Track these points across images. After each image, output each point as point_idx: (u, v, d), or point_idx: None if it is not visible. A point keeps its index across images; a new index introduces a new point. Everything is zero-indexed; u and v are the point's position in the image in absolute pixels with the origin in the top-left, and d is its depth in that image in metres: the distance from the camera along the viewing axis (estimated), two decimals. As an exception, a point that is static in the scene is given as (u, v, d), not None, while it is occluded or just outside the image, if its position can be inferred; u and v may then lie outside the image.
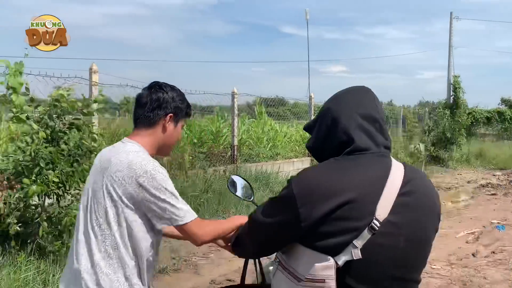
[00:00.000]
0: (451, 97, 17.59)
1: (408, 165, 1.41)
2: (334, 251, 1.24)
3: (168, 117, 1.79)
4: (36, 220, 4.04)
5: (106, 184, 1.67)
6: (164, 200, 1.64)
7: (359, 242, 1.23)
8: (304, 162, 10.98)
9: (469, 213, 8.29)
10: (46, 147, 4.24)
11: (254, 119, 12.36)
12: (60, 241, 4.24)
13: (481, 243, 6.22)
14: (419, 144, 14.70)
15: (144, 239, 1.69)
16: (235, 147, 8.81)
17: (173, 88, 1.85)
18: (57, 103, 4.30)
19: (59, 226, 4.10)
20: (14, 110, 4.45)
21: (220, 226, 1.77)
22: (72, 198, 4.47)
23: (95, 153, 4.61)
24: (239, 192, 2.04)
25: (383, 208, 1.26)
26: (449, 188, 11.25)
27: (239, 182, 2.05)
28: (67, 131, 4.53)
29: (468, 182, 12.34)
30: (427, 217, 1.36)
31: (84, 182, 4.37)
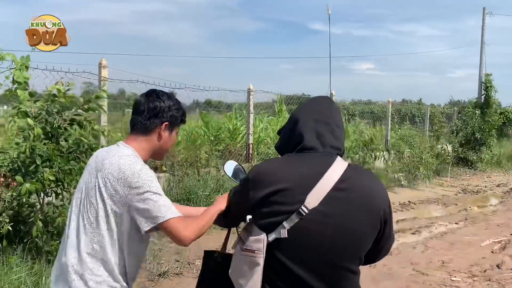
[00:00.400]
0: (482, 96, 16.85)
1: (354, 166, 1.62)
2: (269, 229, 1.50)
3: (163, 126, 1.87)
4: (30, 220, 3.90)
5: (99, 184, 1.76)
6: (147, 199, 1.69)
7: (287, 224, 1.47)
8: (324, 162, 10.64)
9: (497, 219, 7.80)
10: (45, 144, 4.12)
11: (273, 117, 12.08)
12: (57, 241, 4.10)
13: (507, 253, 5.77)
14: (446, 145, 14.11)
15: (131, 240, 1.76)
16: (250, 145, 8.57)
17: (170, 97, 1.93)
18: (55, 98, 4.17)
19: (53, 226, 3.96)
20: (15, 104, 4.35)
21: (201, 221, 1.77)
22: (71, 197, 4.33)
23: (97, 150, 4.46)
24: (233, 175, 2.22)
25: (313, 198, 1.48)
26: (477, 191, 10.71)
27: (234, 166, 2.25)
28: (68, 128, 4.40)
29: (498, 185, 11.74)
30: (359, 213, 1.52)
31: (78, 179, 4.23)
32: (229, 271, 1.62)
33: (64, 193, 4.32)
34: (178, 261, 4.90)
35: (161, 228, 1.70)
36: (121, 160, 1.76)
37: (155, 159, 1.98)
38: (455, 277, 4.84)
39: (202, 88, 7.79)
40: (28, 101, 4.22)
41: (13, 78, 4.40)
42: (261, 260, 1.50)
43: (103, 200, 1.73)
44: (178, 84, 7.27)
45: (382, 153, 10.13)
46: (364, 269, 5.00)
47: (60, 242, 4.09)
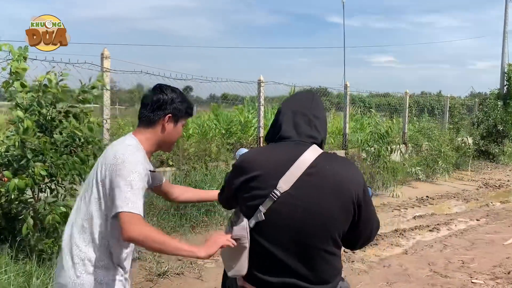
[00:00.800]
0: (505, 87, 16.23)
1: (328, 153, 1.73)
2: (249, 213, 1.65)
3: (167, 118, 1.94)
4: (21, 217, 3.70)
5: (97, 169, 1.85)
6: (119, 187, 1.72)
7: (263, 207, 1.62)
8: (338, 155, 10.27)
9: (521, 216, 7.37)
10: (39, 137, 3.92)
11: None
12: (52, 239, 3.89)
13: (533, 253, 5.39)
14: (466, 137, 13.59)
15: (113, 223, 1.78)
16: (261, 138, 8.28)
17: (173, 90, 1.99)
18: (47, 89, 3.95)
19: (49, 224, 3.74)
20: (7, 96, 4.16)
21: (159, 236, 1.69)
22: (65, 193, 4.12)
23: (94, 144, 4.24)
24: None
25: (285, 183, 1.61)
26: (499, 186, 10.24)
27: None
28: (63, 120, 4.19)
29: (521, 179, 11.22)
30: (328, 196, 1.62)
31: (78, 175, 4.03)
32: (221, 251, 1.75)
33: (60, 189, 4.13)
34: (180, 260, 4.67)
35: (117, 218, 1.71)
36: (121, 148, 1.83)
37: (163, 151, 2.09)
38: (476, 279, 4.50)
39: (210, 79, 7.50)
40: (20, 92, 4.02)
41: (10, 70, 4.20)
42: (247, 244, 1.66)
43: (97, 183, 1.82)
44: (184, 75, 6.98)
45: (398, 146, 9.69)
46: (377, 269, 4.67)
47: (54, 240, 3.94)
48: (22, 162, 3.75)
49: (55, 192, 4.08)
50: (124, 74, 6.54)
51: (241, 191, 1.70)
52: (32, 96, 3.91)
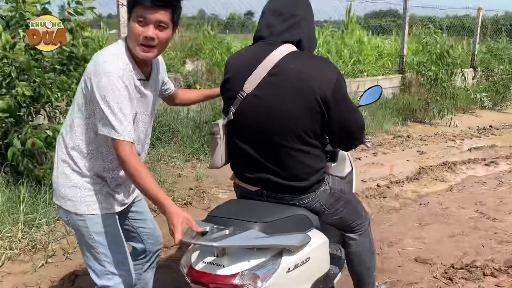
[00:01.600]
0: None
1: (296, 52, 1.71)
2: (226, 113, 1.80)
3: (128, 15, 1.73)
4: (6, 141, 3.47)
5: (84, 74, 1.75)
6: (100, 108, 1.63)
7: (233, 108, 1.75)
8: (393, 80, 9.30)
9: None
10: (31, 55, 3.58)
11: (336, 29, 10.73)
12: (48, 165, 3.65)
13: None
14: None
15: (89, 129, 1.76)
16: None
17: None
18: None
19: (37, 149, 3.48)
20: None
21: (143, 173, 1.58)
22: (60, 116, 3.83)
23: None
24: None
25: (250, 84, 1.70)
26: None
27: None
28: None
29: None
30: (290, 95, 1.65)
31: (71, 95, 3.70)
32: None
33: (56, 112, 3.84)
34: (192, 189, 4.34)
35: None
36: (101, 56, 1.68)
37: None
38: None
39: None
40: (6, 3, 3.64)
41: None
42: (219, 140, 1.81)
43: (81, 88, 1.74)
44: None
45: (460, 69, 8.49)
46: (411, 207, 3.94)
47: (52, 165, 3.70)
48: (8, 80, 3.46)
49: (52, 114, 3.81)
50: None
51: (222, 93, 1.86)
52: (12, 6, 3.50)
